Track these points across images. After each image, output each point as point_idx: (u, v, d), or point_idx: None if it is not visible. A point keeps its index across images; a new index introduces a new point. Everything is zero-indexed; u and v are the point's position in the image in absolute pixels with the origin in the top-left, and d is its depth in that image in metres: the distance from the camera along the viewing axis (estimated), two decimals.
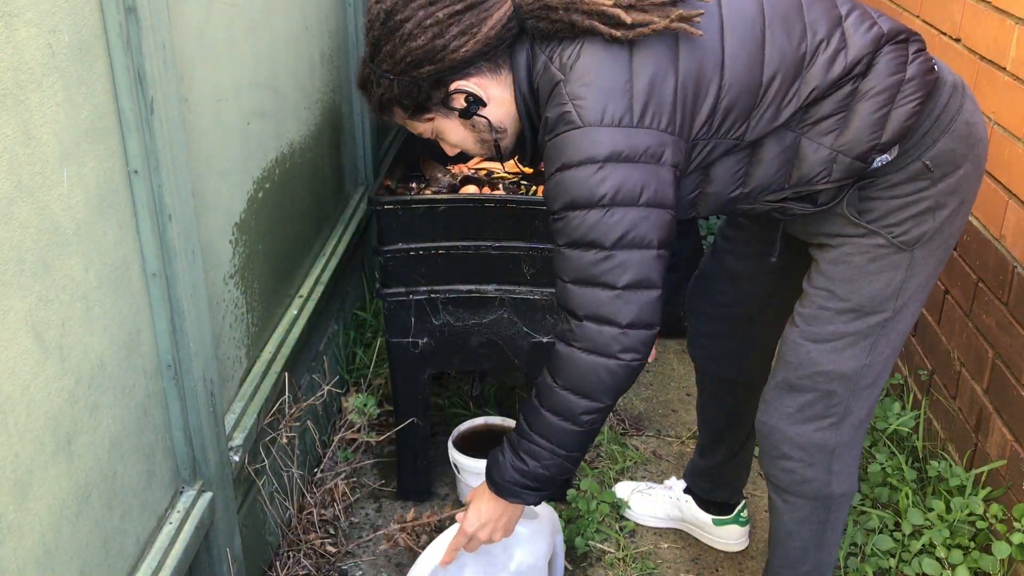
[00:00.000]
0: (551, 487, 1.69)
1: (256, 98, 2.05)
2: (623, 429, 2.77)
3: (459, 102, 1.59)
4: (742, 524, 2.31)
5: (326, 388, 2.39)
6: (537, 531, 1.97)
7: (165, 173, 1.50)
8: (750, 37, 1.52)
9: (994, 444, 2.18)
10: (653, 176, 1.46)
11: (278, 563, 2.17)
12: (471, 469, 2.31)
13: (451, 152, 1.73)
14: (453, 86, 1.56)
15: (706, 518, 2.31)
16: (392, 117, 1.66)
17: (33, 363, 1.22)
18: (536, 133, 1.61)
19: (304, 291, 2.42)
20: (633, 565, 2.27)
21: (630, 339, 1.51)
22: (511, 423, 2.49)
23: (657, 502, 2.40)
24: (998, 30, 2.19)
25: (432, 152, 2.73)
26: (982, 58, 2.27)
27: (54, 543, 1.28)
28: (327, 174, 2.69)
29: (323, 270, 2.55)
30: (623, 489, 2.46)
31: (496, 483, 1.69)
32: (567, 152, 1.46)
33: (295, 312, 2.33)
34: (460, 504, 2.40)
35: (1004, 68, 2.16)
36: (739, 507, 2.30)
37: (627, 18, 1.46)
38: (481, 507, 1.74)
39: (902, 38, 1.59)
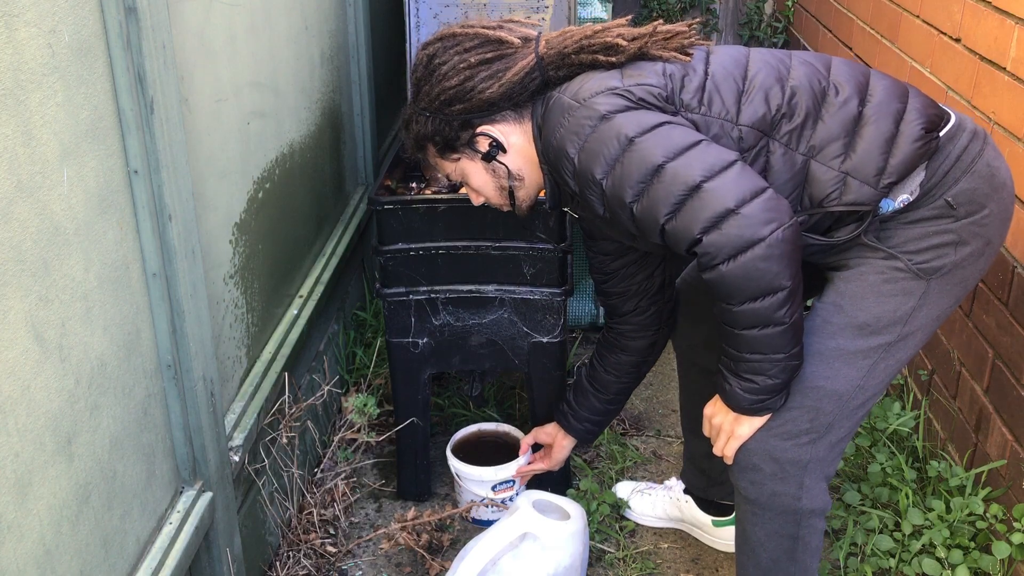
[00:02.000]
0: (789, 384, 1.66)
1: (256, 98, 2.05)
2: (623, 429, 2.77)
3: (483, 145, 1.76)
4: None
5: (326, 388, 2.39)
6: (573, 532, 1.97)
7: (165, 173, 1.50)
8: (736, 52, 1.71)
9: (994, 444, 2.18)
10: (657, 111, 1.58)
11: (278, 563, 2.17)
12: (473, 477, 2.31)
13: (476, 201, 1.88)
14: (479, 129, 1.74)
15: (706, 519, 2.31)
16: (425, 156, 1.83)
17: (33, 363, 1.22)
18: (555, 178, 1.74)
19: (304, 291, 2.42)
20: (633, 565, 2.27)
21: (753, 214, 1.47)
22: (505, 429, 2.49)
23: (657, 502, 2.40)
24: (998, 30, 2.19)
25: None
26: (982, 58, 2.27)
27: (54, 543, 1.28)
28: (327, 174, 2.69)
29: (323, 270, 2.55)
30: (623, 489, 2.46)
31: (740, 409, 1.68)
32: (574, 130, 1.60)
33: (295, 312, 2.33)
34: (458, 505, 2.40)
35: (1004, 68, 2.16)
36: None
37: (624, 42, 1.66)
38: (735, 431, 1.72)
39: (896, 81, 1.67)
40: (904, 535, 2.20)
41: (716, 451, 1.77)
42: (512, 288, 2.26)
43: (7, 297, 1.16)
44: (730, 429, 1.72)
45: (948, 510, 2.20)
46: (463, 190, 1.89)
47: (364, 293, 3.06)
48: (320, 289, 2.47)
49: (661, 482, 2.48)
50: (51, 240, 1.25)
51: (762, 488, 1.74)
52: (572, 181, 1.64)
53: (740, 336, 1.58)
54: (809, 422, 1.68)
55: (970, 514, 2.15)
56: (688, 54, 1.69)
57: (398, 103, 3.47)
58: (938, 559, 2.11)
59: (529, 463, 2.33)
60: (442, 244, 2.23)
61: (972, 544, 2.12)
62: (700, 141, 1.54)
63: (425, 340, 2.31)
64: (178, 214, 1.55)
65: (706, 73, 1.64)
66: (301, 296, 2.40)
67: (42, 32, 1.21)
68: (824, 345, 1.66)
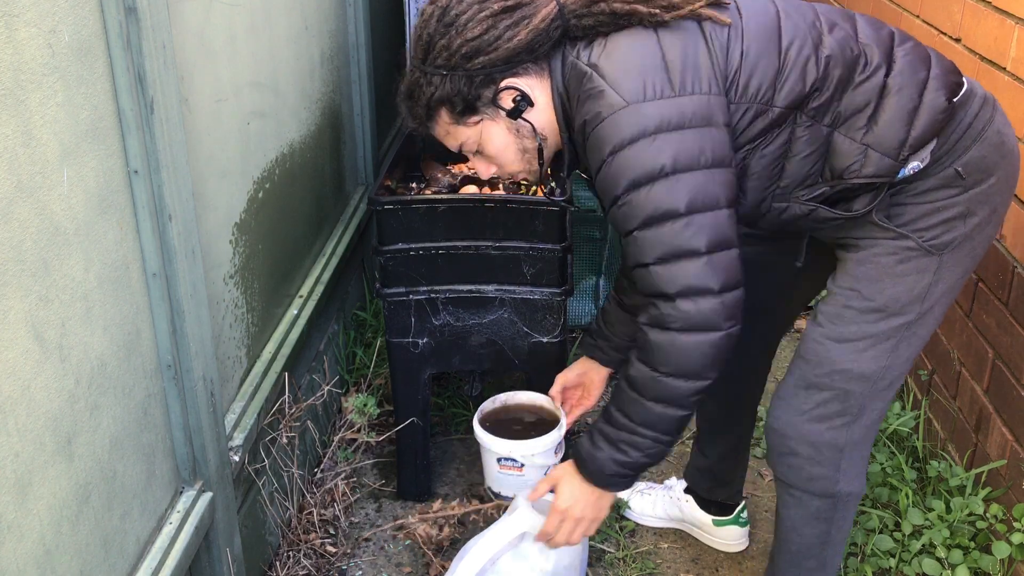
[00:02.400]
0: (646, 470, 1.70)
1: (256, 98, 2.05)
2: None
3: (507, 101, 1.61)
4: (742, 525, 2.30)
5: (326, 388, 2.39)
6: None
7: (165, 173, 1.50)
8: (765, 16, 1.58)
9: (994, 444, 2.18)
10: (707, 137, 1.49)
11: (278, 563, 2.17)
12: (504, 451, 2.14)
13: (485, 172, 1.73)
14: (503, 83, 1.60)
15: (706, 518, 2.31)
16: (437, 123, 1.67)
17: (33, 363, 1.22)
18: (573, 143, 1.63)
19: (304, 291, 2.42)
20: (633, 565, 2.27)
21: (727, 305, 1.51)
22: (531, 397, 2.30)
23: (657, 502, 2.40)
24: (998, 30, 2.19)
25: (433, 152, 2.73)
26: (982, 58, 2.27)
27: (54, 543, 1.28)
28: (327, 174, 2.69)
29: (323, 270, 2.55)
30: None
31: (593, 476, 1.68)
32: (617, 133, 1.48)
33: (295, 312, 2.33)
34: (473, 495, 2.40)
35: (1004, 68, 2.16)
36: (739, 508, 2.30)
37: (664, 1, 1.53)
38: (574, 490, 1.71)
39: (917, 44, 1.63)
40: (904, 535, 2.20)
41: (561, 540, 1.74)
42: (512, 288, 2.26)
43: (7, 297, 1.16)
44: (578, 509, 1.70)
45: (948, 510, 2.20)
46: (470, 163, 1.70)
47: (364, 293, 3.06)
48: (320, 289, 2.47)
49: (661, 482, 2.47)
50: (51, 240, 1.25)
51: (800, 472, 1.77)
52: (593, 172, 1.57)
53: (643, 405, 1.59)
54: (840, 404, 1.72)
55: (970, 514, 2.15)
56: (724, 4, 1.58)
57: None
58: (938, 559, 2.11)
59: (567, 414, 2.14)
60: (442, 244, 2.23)
61: (972, 544, 2.12)
62: (724, 207, 1.50)
63: (425, 340, 2.31)
64: (178, 214, 1.55)
65: (742, 52, 1.55)
66: (301, 296, 2.40)
67: (42, 32, 1.21)
68: (847, 330, 1.68)
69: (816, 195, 1.63)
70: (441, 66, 1.59)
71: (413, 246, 2.23)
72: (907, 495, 2.26)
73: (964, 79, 1.64)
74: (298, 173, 2.39)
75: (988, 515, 2.11)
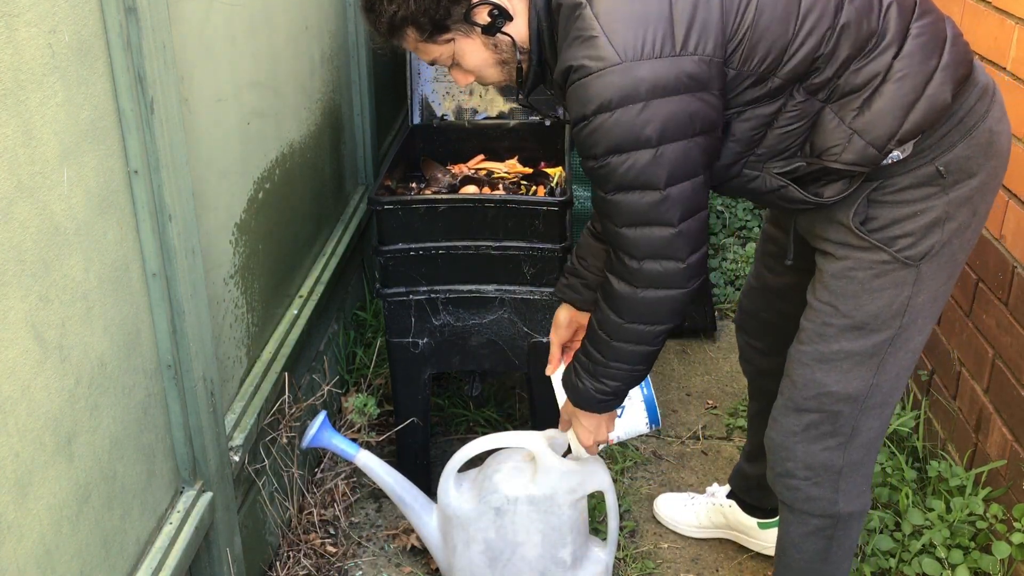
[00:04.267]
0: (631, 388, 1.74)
1: (256, 98, 2.05)
2: None
3: (482, 16, 1.49)
4: None
5: (326, 388, 2.39)
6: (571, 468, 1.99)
7: (165, 173, 1.50)
8: None
9: (994, 444, 2.18)
10: (700, 103, 1.39)
11: (278, 563, 2.17)
12: None
13: (463, 81, 1.61)
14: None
15: (751, 522, 2.28)
16: (402, 41, 1.54)
17: (33, 363, 1.22)
18: (543, 63, 1.53)
19: (304, 291, 2.42)
20: (633, 565, 2.27)
21: (691, 269, 1.51)
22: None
23: (701, 512, 2.36)
24: (998, 30, 2.19)
25: (432, 152, 2.74)
26: (982, 58, 2.27)
27: (54, 543, 1.28)
28: (327, 174, 2.69)
29: (323, 270, 2.55)
30: (666, 503, 2.42)
31: (583, 403, 1.74)
32: (604, 93, 1.36)
33: (295, 312, 2.33)
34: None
35: (1004, 68, 2.16)
36: None
37: None
38: (583, 422, 1.80)
39: (936, 20, 1.51)
40: (904, 535, 2.19)
41: (587, 442, 1.82)
42: (512, 288, 2.26)
43: (7, 297, 1.16)
44: (592, 428, 1.80)
45: (948, 510, 2.20)
46: (451, 73, 1.60)
47: (364, 293, 3.06)
48: (320, 289, 2.47)
49: (703, 491, 2.44)
50: (51, 240, 1.25)
51: (797, 493, 1.73)
52: (572, 121, 1.45)
53: (613, 346, 1.62)
54: (831, 425, 1.67)
55: (970, 514, 2.15)
56: None
57: (398, 103, 3.47)
58: (938, 559, 2.11)
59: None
60: (442, 244, 2.23)
61: (972, 544, 2.12)
62: (701, 175, 1.46)
63: (425, 340, 2.31)
64: (178, 214, 1.55)
65: (756, 12, 1.40)
66: (301, 296, 2.40)
67: (42, 32, 1.21)
68: (828, 349, 1.63)
69: (789, 170, 1.54)
70: None
71: (413, 246, 2.23)
72: (907, 495, 2.26)
73: (973, 67, 1.53)
74: (298, 173, 2.39)
75: (988, 515, 2.11)
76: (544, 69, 1.56)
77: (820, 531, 1.76)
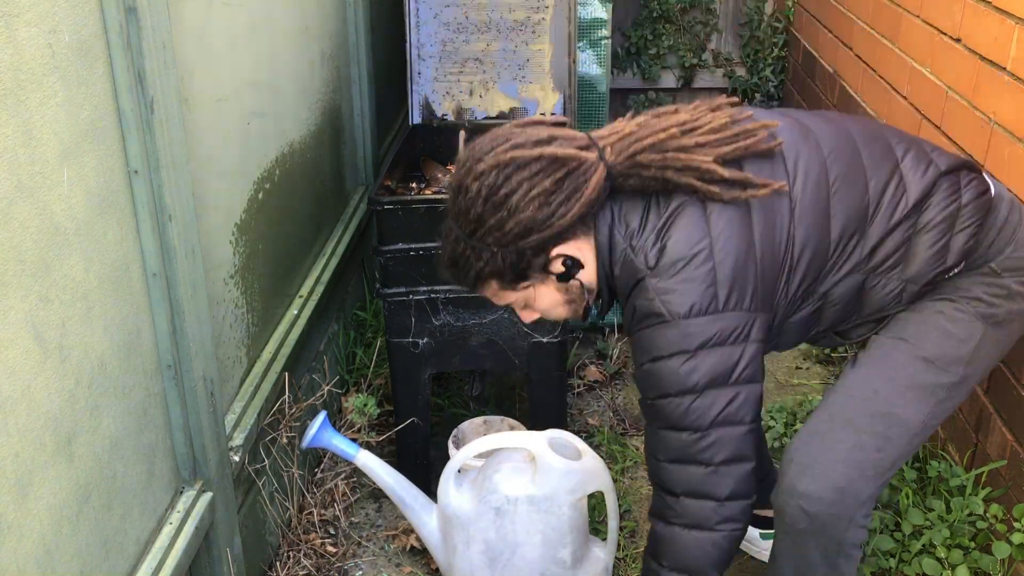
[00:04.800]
0: None
1: (256, 98, 2.05)
2: (623, 429, 2.77)
3: (558, 267, 1.60)
4: None
5: (326, 388, 2.39)
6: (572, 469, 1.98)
7: (165, 173, 1.50)
8: (817, 199, 1.59)
9: (994, 444, 2.18)
10: (742, 354, 1.53)
11: (278, 563, 2.17)
12: None
13: (528, 319, 1.74)
14: (554, 252, 1.57)
15: (753, 532, 2.28)
16: (484, 290, 1.65)
17: (33, 363, 1.22)
18: (611, 291, 1.65)
19: (304, 291, 2.42)
20: (633, 565, 2.27)
21: (728, 510, 1.57)
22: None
23: None
24: (998, 30, 2.19)
25: (432, 152, 2.74)
26: (982, 58, 2.27)
27: (54, 543, 1.28)
28: (327, 174, 2.69)
29: (323, 270, 2.55)
30: None
31: None
32: (657, 344, 1.53)
33: (295, 312, 2.33)
34: None
35: (1004, 68, 2.15)
36: None
37: (725, 173, 1.51)
38: None
39: (955, 167, 1.65)
40: (904, 535, 2.19)
41: None
42: None
43: (7, 297, 1.16)
44: None
45: (948, 510, 2.20)
46: (518, 311, 1.73)
47: (364, 293, 3.06)
48: (320, 289, 2.47)
49: None
50: (51, 240, 1.25)
51: (815, 519, 1.64)
52: (633, 363, 1.63)
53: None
54: (877, 451, 1.63)
55: (970, 514, 2.15)
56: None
57: (398, 103, 3.47)
58: (938, 559, 2.11)
59: None
60: None
61: (972, 544, 2.12)
62: (747, 421, 1.56)
63: (425, 340, 2.31)
64: (178, 214, 1.55)
65: (790, 234, 1.58)
66: (301, 296, 2.40)
67: (42, 32, 1.21)
68: (896, 373, 1.64)
69: (848, 328, 1.72)
70: (491, 243, 1.54)
71: (413, 246, 2.23)
72: (907, 495, 2.25)
73: (990, 186, 1.67)
74: (298, 173, 2.39)
75: (988, 515, 2.11)
76: (613, 296, 1.67)
77: (824, 559, 1.69)
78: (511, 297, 1.66)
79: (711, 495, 1.56)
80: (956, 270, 1.65)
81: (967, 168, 1.68)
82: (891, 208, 1.61)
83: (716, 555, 1.59)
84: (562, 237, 1.56)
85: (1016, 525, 2.01)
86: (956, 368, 1.63)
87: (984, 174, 1.71)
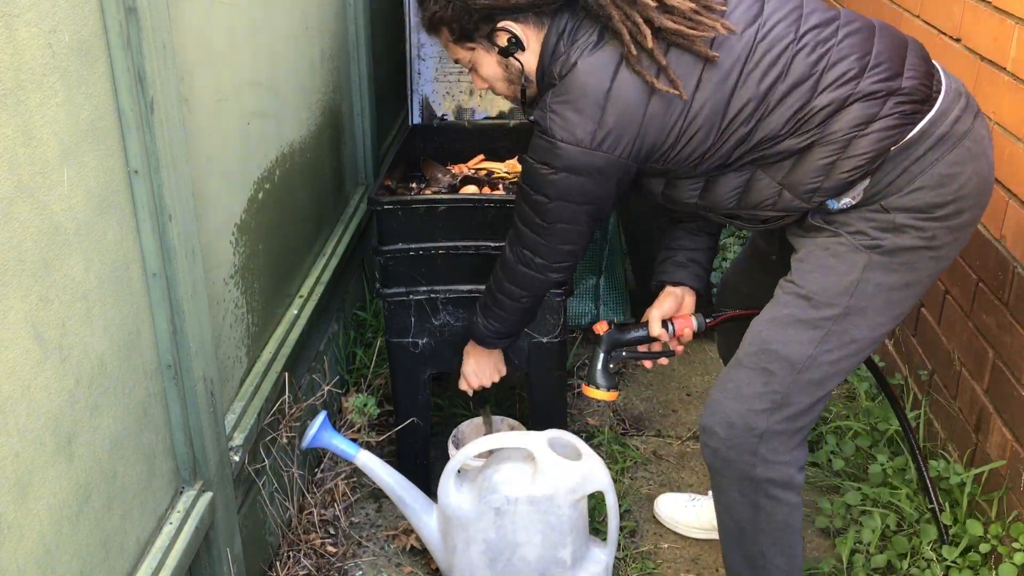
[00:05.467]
0: (515, 335, 2.14)
1: (256, 98, 2.05)
2: (623, 429, 2.77)
3: (502, 40, 1.78)
4: None
5: (326, 388, 2.39)
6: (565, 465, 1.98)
7: (165, 173, 1.50)
8: (724, 85, 1.66)
9: (994, 444, 2.18)
10: (595, 185, 1.72)
11: (278, 563, 2.17)
12: None
13: (479, 86, 1.93)
14: (500, 24, 1.76)
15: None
16: (438, 36, 1.85)
17: (33, 363, 1.22)
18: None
19: (304, 291, 2.42)
20: (633, 565, 2.27)
21: (554, 269, 1.89)
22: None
23: (702, 513, 2.36)
24: (998, 30, 2.19)
25: (432, 152, 2.74)
26: (982, 58, 2.27)
27: (54, 543, 1.28)
28: (327, 174, 2.69)
29: (323, 270, 2.55)
30: (666, 503, 2.43)
31: (478, 339, 2.12)
32: (536, 148, 1.73)
33: (295, 312, 2.33)
34: None
35: (1004, 68, 2.15)
36: None
37: (651, 45, 1.62)
38: (471, 359, 2.21)
39: (880, 96, 1.64)
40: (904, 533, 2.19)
41: (472, 378, 2.22)
42: None
43: (7, 297, 1.16)
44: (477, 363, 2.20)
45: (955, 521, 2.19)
46: (472, 75, 1.93)
47: (364, 293, 3.06)
48: (320, 289, 2.47)
49: (706, 492, 2.44)
50: (51, 240, 1.25)
51: (716, 454, 1.79)
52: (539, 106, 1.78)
53: (495, 295, 2.00)
54: (762, 385, 1.73)
55: (968, 535, 2.13)
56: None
57: (398, 103, 3.47)
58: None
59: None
60: (442, 244, 2.23)
61: (979, 561, 2.10)
62: (582, 227, 1.81)
63: (425, 340, 2.31)
64: (178, 214, 1.55)
65: (683, 126, 1.68)
66: (301, 296, 2.40)
67: (42, 32, 1.21)
68: (777, 312, 1.75)
69: (725, 215, 1.81)
70: None
71: (413, 246, 2.23)
72: (908, 495, 2.25)
73: (925, 114, 1.65)
74: (298, 173, 2.39)
75: (989, 535, 2.09)
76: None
77: (743, 497, 1.79)
78: (460, 54, 1.86)
79: (544, 257, 1.86)
80: (851, 198, 1.68)
81: (899, 94, 1.65)
82: (791, 113, 1.65)
83: (538, 287, 1.94)
84: (511, 13, 1.74)
85: (1016, 545, 2.00)
86: (840, 299, 1.69)
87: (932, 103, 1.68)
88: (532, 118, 1.73)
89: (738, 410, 1.75)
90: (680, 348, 2.05)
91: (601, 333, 2.00)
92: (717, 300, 2.19)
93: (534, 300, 1.99)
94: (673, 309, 2.02)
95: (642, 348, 2.06)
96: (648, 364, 2.11)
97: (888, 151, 1.64)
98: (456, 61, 1.89)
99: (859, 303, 1.70)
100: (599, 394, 1.99)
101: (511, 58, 1.79)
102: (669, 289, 2.03)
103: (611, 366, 2.01)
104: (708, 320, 2.01)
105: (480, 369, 2.21)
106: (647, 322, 2.00)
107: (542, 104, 1.71)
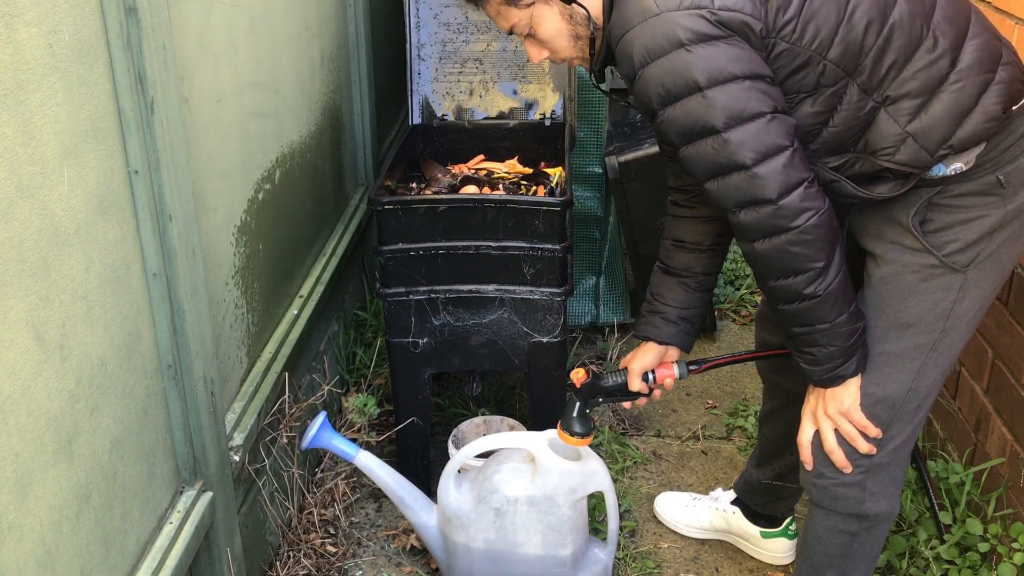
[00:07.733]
0: (855, 349, 1.64)
1: (256, 98, 2.05)
2: (623, 429, 2.77)
3: None
4: (790, 537, 2.26)
5: (326, 388, 2.39)
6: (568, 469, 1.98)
7: (165, 173, 1.50)
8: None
9: (994, 444, 2.18)
10: (741, 50, 1.45)
11: (278, 563, 2.17)
12: None
13: (537, 56, 1.69)
14: None
15: (754, 530, 2.28)
16: (488, 3, 1.64)
17: (34, 363, 1.22)
18: (609, 52, 1.59)
19: (304, 291, 2.42)
20: (633, 565, 2.27)
21: (790, 205, 1.48)
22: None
23: (702, 513, 2.36)
24: (998, 30, 2.19)
25: (432, 152, 2.74)
26: None
27: (54, 543, 1.28)
28: (327, 174, 2.69)
29: (323, 270, 2.55)
30: (666, 502, 2.43)
31: (814, 382, 1.69)
32: (647, 42, 1.45)
33: (295, 312, 2.33)
34: None
35: None
36: (788, 520, 2.26)
37: None
38: (809, 398, 1.73)
39: (992, 39, 1.57)
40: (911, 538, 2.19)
41: (829, 442, 1.70)
42: (512, 288, 2.26)
43: (7, 297, 1.16)
44: (823, 409, 1.69)
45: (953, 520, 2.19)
46: (526, 45, 1.69)
47: (364, 293, 3.06)
48: (320, 289, 2.47)
49: (706, 493, 2.45)
50: (51, 240, 1.25)
51: (825, 492, 1.74)
52: (627, 83, 1.54)
53: (781, 311, 1.60)
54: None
55: (967, 534, 2.13)
56: None
57: (398, 103, 3.47)
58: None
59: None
60: (442, 244, 2.23)
61: (979, 561, 2.11)
62: (767, 115, 1.46)
63: (425, 340, 2.31)
64: (178, 214, 1.55)
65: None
66: (301, 296, 2.40)
67: (42, 32, 1.21)
68: (871, 351, 1.66)
69: (842, 163, 1.59)
70: None
71: (413, 246, 2.23)
72: (908, 496, 2.26)
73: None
74: (298, 173, 2.39)
75: (989, 535, 2.09)
76: (611, 48, 1.59)
77: (844, 525, 1.77)
78: (514, 17, 1.63)
79: (762, 198, 1.48)
80: (964, 164, 1.55)
81: (1007, 47, 1.58)
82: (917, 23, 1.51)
83: (805, 248, 1.51)
84: None
85: (1015, 545, 2.00)
86: (936, 325, 1.62)
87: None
88: (617, 28, 1.49)
89: (844, 451, 1.69)
90: (659, 394, 1.93)
91: (578, 384, 1.89)
92: (759, 317, 2.10)
93: (822, 276, 1.54)
94: (654, 362, 1.91)
95: None
96: (627, 405, 1.99)
97: (1015, 107, 1.55)
98: (510, 32, 1.67)
99: (954, 323, 1.63)
100: (574, 441, 1.88)
101: (575, 4, 1.59)
102: (653, 344, 1.92)
103: (587, 411, 1.90)
104: (692, 367, 1.90)
105: (827, 404, 1.71)
106: (626, 368, 1.90)
107: (637, 28, 1.46)
